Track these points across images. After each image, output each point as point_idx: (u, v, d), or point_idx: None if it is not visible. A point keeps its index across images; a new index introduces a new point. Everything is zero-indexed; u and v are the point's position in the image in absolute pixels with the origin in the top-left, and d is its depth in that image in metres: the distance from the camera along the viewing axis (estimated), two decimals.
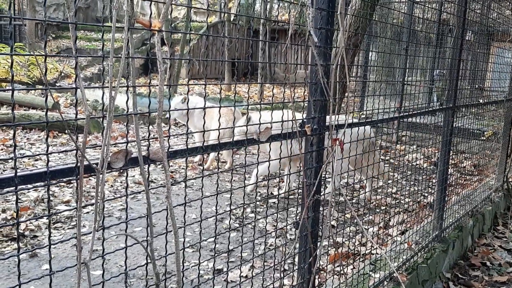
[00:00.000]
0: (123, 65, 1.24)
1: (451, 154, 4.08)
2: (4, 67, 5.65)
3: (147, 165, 1.41)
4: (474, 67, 5.00)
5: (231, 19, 18.34)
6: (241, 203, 4.98)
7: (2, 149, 6.74)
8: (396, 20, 9.15)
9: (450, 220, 4.22)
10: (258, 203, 4.84)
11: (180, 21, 18.71)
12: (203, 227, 1.79)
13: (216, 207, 1.82)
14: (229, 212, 1.85)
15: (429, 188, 4.60)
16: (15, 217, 4.11)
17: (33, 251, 3.51)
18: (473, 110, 5.05)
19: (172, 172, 5.99)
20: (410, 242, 3.55)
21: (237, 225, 4.22)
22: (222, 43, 17.98)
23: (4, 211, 4.25)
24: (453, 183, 4.75)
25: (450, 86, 3.85)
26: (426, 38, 8.01)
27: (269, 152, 2.28)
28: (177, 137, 7.25)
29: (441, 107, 3.90)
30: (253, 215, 4.57)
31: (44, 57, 1.21)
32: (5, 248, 3.60)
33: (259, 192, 5.34)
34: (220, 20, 19.70)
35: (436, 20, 7.80)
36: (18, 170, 1.15)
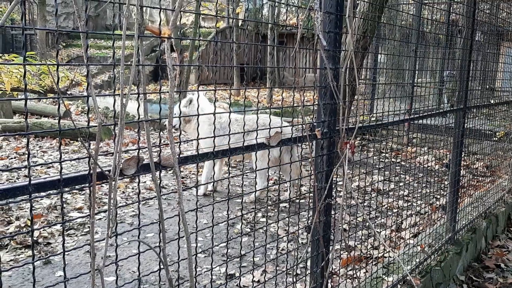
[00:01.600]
0: (133, 73, 1.25)
1: (463, 155, 4.05)
2: (16, 77, 5.72)
3: (158, 171, 1.42)
4: (484, 67, 4.96)
5: (239, 25, 18.40)
6: (252, 208, 5.00)
7: (15, 157, 6.81)
8: (404, 22, 9.11)
9: (463, 222, 4.18)
10: (269, 207, 4.84)
11: (188, 28, 18.82)
12: (215, 232, 1.79)
13: (227, 212, 1.82)
14: (240, 217, 1.85)
15: (441, 190, 4.56)
16: (28, 224, 4.15)
17: (47, 258, 3.54)
18: (484, 111, 5.00)
19: (182, 177, 6.01)
20: (423, 244, 3.52)
21: (249, 230, 4.22)
22: (230, 48, 18.05)
23: (17, 218, 4.29)
24: (466, 184, 4.71)
25: (460, 87, 3.83)
26: (435, 39, 7.96)
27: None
28: (187, 142, 7.27)
29: (452, 109, 3.87)
30: (264, 219, 4.57)
31: (56, 66, 1.22)
32: (19, 255, 3.63)
33: (270, 196, 5.34)
34: (228, 26, 19.78)
35: (445, 21, 7.76)
36: (31, 178, 1.16)
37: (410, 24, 8.92)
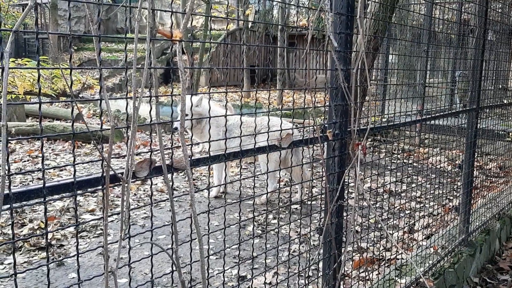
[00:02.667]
0: (145, 76, 1.26)
1: (475, 156, 4.01)
2: (29, 80, 5.80)
3: (170, 174, 1.42)
4: (497, 67, 4.91)
5: (249, 26, 18.42)
6: (264, 210, 4.98)
7: (28, 160, 6.88)
8: (415, 22, 9.06)
9: (477, 224, 4.14)
10: (280, 209, 4.84)
11: (199, 30, 18.89)
12: (226, 234, 1.79)
13: (239, 214, 1.82)
14: (252, 218, 1.85)
15: (454, 191, 4.52)
16: (42, 227, 4.19)
17: (61, 260, 3.56)
18: (497, 111, 4.96)
19: (194, 179, 6.02)
20: (436, 246, 3.50)
21: (260, 232, 4.22)
22: (240, 50, 18.07)
23: (31, 221, 4.34)
24: (479, 185, 4.66)
25: (473, 87, 3.79)
26: (446, 39, 7.91)
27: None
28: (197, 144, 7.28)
29: (464, 109, 3.84)
30: (275, 221, 4.56)
31: (69, 69, 1.23)
32: (33, 257, 3.66)
33: (281, 198, 5.33)
34: (238, 28, 19.82)
35: (457, 20, 7.70)
36: (45, 181, 1.17)
37: (421, 24, 8.86)
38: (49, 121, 10.10)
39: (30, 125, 8.73)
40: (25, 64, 6.10)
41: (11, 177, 1.10)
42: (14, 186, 1.13)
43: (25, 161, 6.84)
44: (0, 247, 3.71)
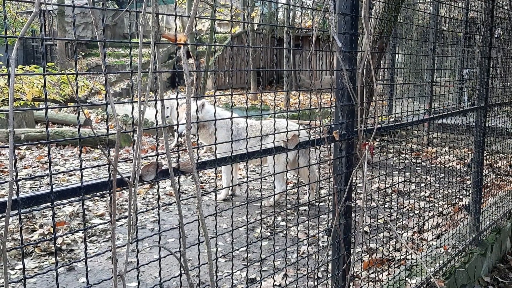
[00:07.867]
0: (151, 80, 1.27)
1: (485, 154, 3.98)
2: (37, 87, 5.85)
3: (177, 177, 1.42)
4: (505, 64, 4.88)
5: (255, 29, 18.45)
6: (272, 212, 4.97)
7: (37, 166, 6.93)
8: (421, 20, 9.02)
9: (487, 223, 4.11)
10: (288, 211, 4.83)
11: (204, 33, 18.94)
12: (235, 237, 1.79)
13: (247, 216, 1.82)
14: (260, 221, 1.85)
15: (464, 190, 4.49)
16: (51, 232, 4.22)
17: (70, 265, 3.59)
18: (506, 109, 4.92)
19: (201, 182, 6.04)
20: (446, 246, 3.47)
21: (269, 234, 4.21)
22: (246, 53, 18.08)
23: (41, 226, 4.36)
24: (489, 184, 4.62)
25: (480, 85, 3.77)
26: (453, 38, 7.87)
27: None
28: (203, 148, 7.29)
29: (472, 107, 3.82)
30: (284, 223, 4.55)
31: (75, 75, 1.24)
32: (43, 262, 3.69)
33: (289, 199, 5.33)
34: (243, 30, 19.84)
35: (463, 18, 7.66)
36: (53, 186, 1.18)
37: (428, 23, 8.83)
38: (57, 127, 10.18)
39: (39, 131, 8.79)
40: (33, 71, 6.15)
41: (20, 182, 1.11)
42: (24, 191, 1.14)
43: (34, 166, 6.89)
44: (10, 252, 3.74)
